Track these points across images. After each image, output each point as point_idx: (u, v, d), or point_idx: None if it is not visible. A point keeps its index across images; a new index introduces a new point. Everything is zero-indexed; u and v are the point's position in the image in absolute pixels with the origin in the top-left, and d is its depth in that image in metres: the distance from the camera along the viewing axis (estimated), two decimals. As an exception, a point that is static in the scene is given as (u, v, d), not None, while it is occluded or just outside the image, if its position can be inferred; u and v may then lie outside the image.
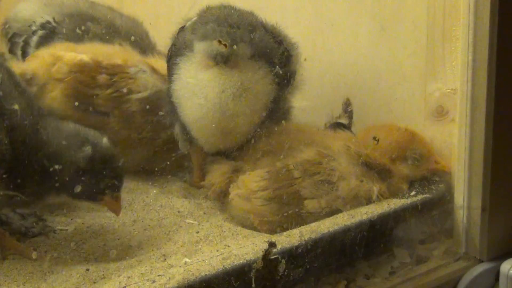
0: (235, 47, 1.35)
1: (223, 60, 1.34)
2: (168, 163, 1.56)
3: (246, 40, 1.36)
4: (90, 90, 1.57)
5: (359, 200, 1.33)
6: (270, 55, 1.40)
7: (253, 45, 1.37)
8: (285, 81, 1.44)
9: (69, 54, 1.60)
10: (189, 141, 1.49)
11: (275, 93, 1.42)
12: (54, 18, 1.78)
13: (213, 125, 1.39)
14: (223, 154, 1.50)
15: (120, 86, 1.57)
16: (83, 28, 1.76)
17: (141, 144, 1.60)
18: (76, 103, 1.55)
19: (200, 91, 1.38)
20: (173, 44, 1.47)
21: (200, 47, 1.37)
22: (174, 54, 1.45)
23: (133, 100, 1.58)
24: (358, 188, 1.34)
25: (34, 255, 1.25)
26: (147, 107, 1.57)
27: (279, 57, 1.41)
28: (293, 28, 1.73)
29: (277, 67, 1.40)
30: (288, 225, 1.30)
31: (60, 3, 1.83)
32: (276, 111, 1.44)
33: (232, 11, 1.41)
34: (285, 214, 1.32)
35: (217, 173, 1.45)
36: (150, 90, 1.58)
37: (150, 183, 1.59)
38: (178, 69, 1.41)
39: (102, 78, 1.57)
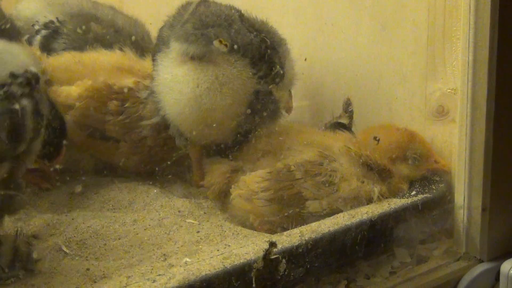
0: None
1: (197, 56, 1.35)
2: (168, 162, 1.56)
3: (222, 36, 1.36)
4: (101, 116, 1.56)
5: (360, 200, 1.34)
6: (247, 50, 1.39)
7: (230, 38, 1.37)
8: (267, 76, 1.43)
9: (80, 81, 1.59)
10: (185, 139, 1.49)
11: (255, 87, 1.41)
12: (57, 18, 1.77)
13: (192, 119, 1.40)
14: (220, 151, 1.50)
15: (131, 112, 1.56)
16: (84, 28, 1.76)
17: (152, 164, 1.60)
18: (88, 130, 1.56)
19: (175, 86, 1.40)
20: (156, 41, 1.49)
21: (177, 45, 1.38)
22: (155, 50, 1.47)
23: (144, 126, 1.57)
24: (359, 189, 1.34)
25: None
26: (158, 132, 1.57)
27: (258, 52, 1.41)
28: (293, 28, 1.74)
29: (254, 61, 1.40)
30: (289, 225, 1.30)
31: (63, 2, 1.83)
32: (261, 105, 1.43)
33: (209, 6, 1.42)
34: (286, 214, 1.32)
35: (216, 173, 1.45)
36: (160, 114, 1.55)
37: (150, 182, 1.59)
38: (157, 65, 1.43)
39: (114, 104, 1.56)
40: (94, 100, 1.55)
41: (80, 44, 1.74)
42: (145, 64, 1.63)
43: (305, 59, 1.71)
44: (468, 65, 1.30)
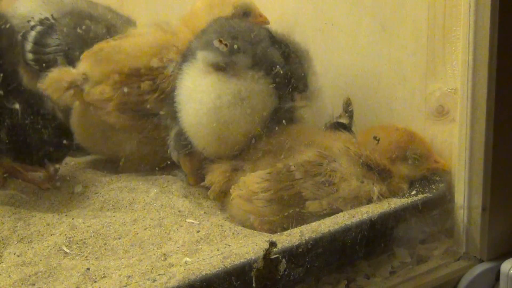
0: (236, 46, 1.37)
1: (221, 67, 1.37)
2: (168, 162, 1.57)
3: (246, 51, 1.38)
4: (139, 97, 1.60)
5: (359, 200, 1.34)
6: (271, 67, 1.41)
7: (254, 56, 1.39)
8: (288, 93, 1.45)
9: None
10: (183, 147, 1.49)
11: (275, 105, 1.43)
12: (52, 15, 1.79)
13: (207, 131, 1.40)
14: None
15: (164, 87, 1.58)
16: (79, 25, 1.77)
17: None
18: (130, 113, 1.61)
19: (196, 96, 1.41)
20: (184, 52, 1.51)
21: (202, 54, 1.40)
22: (181, 60, 1.49)
23: None
24: (359, 188, 1.34)
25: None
26: None
27: (281, 70, 1.42)
28: (294, 27, 1.73)
29: (277, 79, 1.41)
30: (289, 225, 1.30)
31: (58, 1, 1.84)
32: (276, 121, 1.45)
33: (239, 23, 1.45)
34: (286, 214, 1.32)
35: (216, 172, 1.45)
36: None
37: (150, 182, 1.59)
38: (182, 75, 1.45)
39: (147, 84, 1.60)
40: (128, 87, 1.59)
41: (74, 40, 1.76)
42: (180, 34, 1.65)
43: None
44: (468, 65, 1.30)
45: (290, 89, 1.45)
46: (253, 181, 1.38)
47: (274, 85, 1.42)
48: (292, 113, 1.50)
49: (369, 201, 1.34)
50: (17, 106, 1.41)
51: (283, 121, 1.45)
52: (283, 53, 1.45)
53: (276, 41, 1.46)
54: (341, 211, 1.32)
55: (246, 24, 1.46)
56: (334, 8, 1.66)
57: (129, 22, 1.89)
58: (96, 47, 1.66)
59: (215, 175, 1.45)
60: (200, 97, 1.40)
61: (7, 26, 1.47)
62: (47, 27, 1.77)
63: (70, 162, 1.74)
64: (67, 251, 1.29)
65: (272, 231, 1.31)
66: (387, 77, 1.57)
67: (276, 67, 1.41)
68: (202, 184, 1.50)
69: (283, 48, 1.46)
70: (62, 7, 1.83)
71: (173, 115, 1.47)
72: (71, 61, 1.71)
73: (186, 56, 1.48)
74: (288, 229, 1.26)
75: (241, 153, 1.47)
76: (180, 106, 1.45)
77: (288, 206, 1.34)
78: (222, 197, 1.45)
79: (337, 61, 1.68)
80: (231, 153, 1.45)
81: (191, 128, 1.45)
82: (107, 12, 1.87)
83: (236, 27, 1.43)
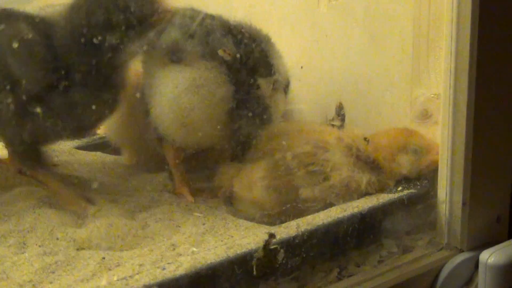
0: (238, 55, 1.35)
1: (176, 59, 1.33)
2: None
3: (200, 41, 1.33)
4: None
5: (350, 189, 1.32)
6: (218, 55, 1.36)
7: (207, 45, 1.34)
8: (245, 78, 1.39)
9: None
10: (159, 140, 1.44)
11: (232, 91, 1.37)
12: None
13: (170, 120, 1.36)
14: (200, 153, 1.47)
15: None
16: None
17: None
18: None
19: (157, 89, 1.37)
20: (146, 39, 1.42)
21: (157, 46, 1.35)
22: (143, 53, 1.42)
23: None
24: (349, 178, 1.32)
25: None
26: None
27: (235, 58, 1.37)
28: (291, 38, 1.73)
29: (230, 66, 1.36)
30: (286, 218, 1.28)
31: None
32: (246, 110, 1.39)
33: (193, 13, 1.38)
34: (284, 208, 1.31)
35: (225, 177, 1.43)
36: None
37: (161, 179, 1.57)
38: (144, 68, 1.41)
39: None
40: None
41: None
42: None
43: (301, 67, 1.71)
44: (450, 72, 1.28)
45: (248, 75, 1.39)
46: (252, 171, 1.37)
47: (228, 72, 1.36)
48: (263, 101, 1.42)
49: (358, 190, 1.32)
50: None
51: (255, 109, 1.39)
52: (237, 41, 1.39)
53: (229, 29, 1.40)
54: (334, 202, 1.31)
55: (199, 14, 1.39)
56: (327, 20, 1.66)
57: None
58: None
59: (224, 179, 1.42)
60: (160, 89, 1.36)
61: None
62: None
63: (85, 159, 1.74)
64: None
65: (271, 224, 1.30)
66: (376, 83, 1.56)
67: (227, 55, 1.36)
68: (185, 190, 1.47)
69: (238, 36, 1.39)
70: None
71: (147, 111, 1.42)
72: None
73: (147, 48, 1.40)
74: (286, 221, 1.24)
75: (247, 157, 1.44)
76: (147, 98, 1.41)
77: (285, 194, 1.32)
78: (230, 200, 1.42)
79: (330, 68, 1.67)
80: (202, 141, 1.41)
81: (157, 120, 1.40)
82: None
83: (191, 19, 1.37)
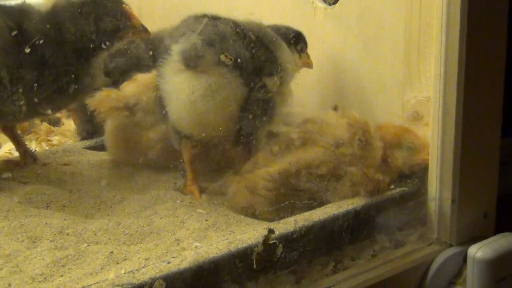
0: (239, 60, 1.35)
1: (192, 65, 1.33)
2: (181, 160, 1.55)
3: (214, 48, 1.33)
4: None
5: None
6: (236, 61, 1.36)
7: (221, 52, 1.34)
8: (256, 80, 1.39)
9: None
10: (177, 137, 1.46)
11: (245, 92, 1.38)
12: None
13: (189, 122, 1.38)
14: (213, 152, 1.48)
15: None
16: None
17: None
18: None
19: (174, 95, 1.38)
20: (161, 45, 1.45)
21: (174, 53, 1.35)
22: (158, 58, 1.43)
23: None
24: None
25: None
26: None
27: (245, 62, 1.37)
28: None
29: (242, 70, 1.36)
30: (285, 214, 1.30)
31: None
32: (255, 107, 1.40)
33: (207, 21, 1.38)
34: (282, 205, 1.32)
35: (238, 186, 1.40)
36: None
37: (165, 178, 1.58)
38: (159, 71, 1.41)
39: None
40: None
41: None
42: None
43: (299, 71, 1.71)
44: (440, 76, 1.29)
45: (258, 76, 1.39)
46: (260, 176, 1.36)
47: (240, 74, 1.37)
48: (269, 95, 1.42)
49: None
50: None
51: (263, 105, 1.40)
52: (248, 45, 1.39)
53: (240, 34, 1.39)
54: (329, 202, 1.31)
55: (214, 22, 1.38)
56: (324, 28, 1.67)
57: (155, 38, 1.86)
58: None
59: (237, 189, 1.40)
60: (177, 95, 1.37)
61: None
62: None
63: (94, 158, 1.74)
64: (95, 238, 1.29)
65: (271, 220, 1.31)
66: (369, 87, 1.57)
67: (240, 59, 1.36)
68: (194, 188, 1.48)
69: (248, 40, 1.39)
70: None
71: (164, 112, 1.44)
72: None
73: (162, 54, 1.41)
74: (284, 217, 1.26)
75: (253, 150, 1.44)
76: (165, 103, 1.42)
77: (284, 201, 1.33)
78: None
79: (327, 73, 1.68)
80: (217, 133, 1.42)
81: (176, 122, 1.42)
82: None
83: (205, 26, 1.36)
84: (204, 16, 1.40)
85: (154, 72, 1.55)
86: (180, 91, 1.36)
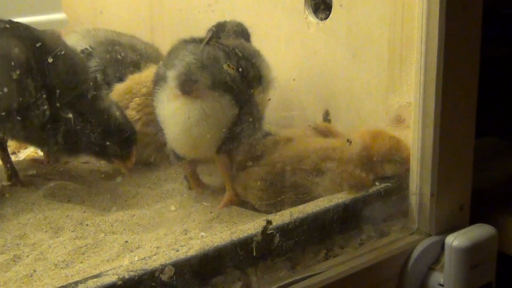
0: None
1: (187, 91, 1.27)
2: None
3: (208, 73, 1.28)
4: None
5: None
6: (227, 84, 1.31)
7: (214, 77, 1.29)
8: (246, 97, 1.35)
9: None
10: (178, 157, 1.41)
11: (237, 111, 1.33)
12: (90, 45, 1.80)
13: (183, 144, 1.35)
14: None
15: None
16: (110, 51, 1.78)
17: None
18: None
19: (170, 119, 1.33)
20: (156, 73, 1.39)
21: (169, 80, 1.29)
22: (155, 82, 1.37)
23: None
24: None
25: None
26: None
27: (235, 84, 1.32)
28: (285, 54, 1.74)
29: (234, 92, 1.31)
30: (281, 207, 1.31)
31: (94, 34, 1.85)
32: (243, 123, 1.35)
33: (197, 46, 1.32)
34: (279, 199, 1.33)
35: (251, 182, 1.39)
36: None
37: (174, 175, 1.58)
38: (156, 97, 1.35)
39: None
40: None
41: (108, 63, 1.76)
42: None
43: (294, 79, 1.71)
44: (420, 83, 1.31)
45: (247, 93, 1.35)
46: (252, 177, 1.37)
47: (232, 94, 1.31)
48: (256, 107, 1.39)
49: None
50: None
51: (252, 116, 1.35)
52: (237, 65, 1.33)
53: (229, 55, 1.34)
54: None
55: (203, 46, 1.32)
56: (316, 39, 1.67)
57: (152, 48, 1.88)
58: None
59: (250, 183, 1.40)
60: (174, 120, 1.32)
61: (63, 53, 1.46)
62: (87, 54, 1.77)
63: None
64: (111, 228, 1.30)
65: (268, 212, 1.32)
66: (357, 93, 1.58)
67: (231, 83, 1.31)
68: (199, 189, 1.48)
69: (237, 60, 1.34)
70: (97, 38, 1.83)
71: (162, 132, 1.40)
72: (106, 79, 1.72)
73: (158, 79, 1.34)
74: (281, 210, 1.27)
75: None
76: (162, 125, 1.37)
77: (278, 193, 1.34)
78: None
79: (318, 80, 1.69)
80: (208, 153, 1.39)
81: (172, 143, 1.38)
82: (132, 40, 1.87)
83: (196, 51, 1.30)
84: (193, 40, 1.35)
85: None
86: (177, 117, 1.31)
